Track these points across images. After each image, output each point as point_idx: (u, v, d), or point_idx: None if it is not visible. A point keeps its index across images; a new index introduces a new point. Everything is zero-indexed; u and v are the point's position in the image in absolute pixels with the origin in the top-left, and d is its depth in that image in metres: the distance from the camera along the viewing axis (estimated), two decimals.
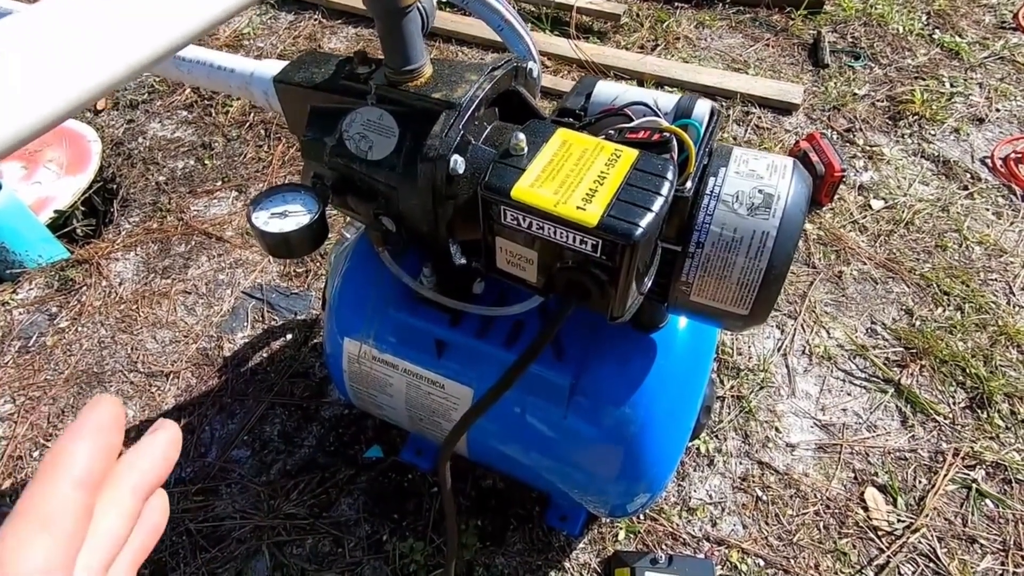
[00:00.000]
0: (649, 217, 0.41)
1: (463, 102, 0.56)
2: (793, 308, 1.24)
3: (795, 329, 1.21)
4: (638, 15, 1.95)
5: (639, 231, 0.40)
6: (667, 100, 0.54)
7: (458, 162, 0.55)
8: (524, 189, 0.43)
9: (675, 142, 0.49)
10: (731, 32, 1.90)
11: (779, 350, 1.18)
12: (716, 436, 1.06)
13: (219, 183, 1.55)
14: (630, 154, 0.45)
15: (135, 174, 1.61)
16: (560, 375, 0.70)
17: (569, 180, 0.43)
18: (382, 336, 0.80)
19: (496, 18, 0.77)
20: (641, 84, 1.73)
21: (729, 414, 1.09)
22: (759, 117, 1.63)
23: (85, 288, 1.33)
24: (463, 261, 0.65)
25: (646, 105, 0.52)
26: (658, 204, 0.42)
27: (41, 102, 0.32)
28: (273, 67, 0.70)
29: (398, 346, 0.78)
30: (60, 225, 1.53)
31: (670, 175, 0.44)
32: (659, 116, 0.52)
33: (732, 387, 1.12)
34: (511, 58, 0.63)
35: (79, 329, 1.26)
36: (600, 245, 0.41)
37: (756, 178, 0.52)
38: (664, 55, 1.82)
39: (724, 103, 1.67)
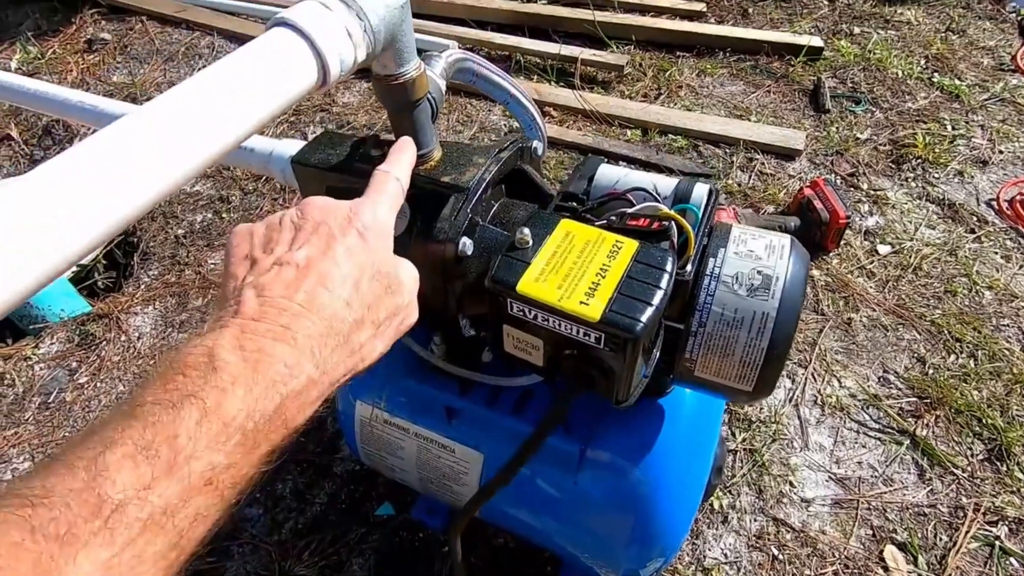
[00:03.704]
0: (650, 312, 0.42)
1: (471, 186, 0.59)
2: (803, 356, 1.24)
3: (806, 378, 1.21)
4: (641, 65, 2.01)
5: (640, 326, 0.42)
6: (666, 184, 0.56)
7: (466, 244, 0.57)
8: (529, 283, 0.45)
9: (675, 227, 0.51)
10: (732, 80, 1.95)
11: (790, 400, 1.18)
12: (729, 491, 1.05)
13: None
14: (631, 245, 0.47)
15: (155, 228, 1.66)
16: (569, 442, 0.71)
17: (572, 273, 0.45)
18: (393, 399, 0.81)
19: (502, 94, 0.80)
20: (645, 132, 1.77)
21: (742, 468, 1.08)
22: (762, 163, 1.66)
23: (105, 343, 1.36)
24: (472, 333, 0.67)
25: (646, 191, 0.55)
26: (658, 298, 0.43)
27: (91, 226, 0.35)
28: (291, 147, 0.74)
29: (409, 411, 0.79)
30: (82, 278, 1.57)
31: (669, 267, 0.45)
32: (659, 201, 0.54)
33: (744, 440, 1.12)
34: (517, 139, 0.66)
35: (98, 385, 1.29)
36: (603, 338, 0.43)
37: (755, 259, 0.53)
38: (667, 103, 1.87)
39: (727, 150, 1.70)
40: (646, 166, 1.67)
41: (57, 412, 1.25)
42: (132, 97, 2.02)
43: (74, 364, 1.34)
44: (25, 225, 0.31)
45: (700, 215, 0.54)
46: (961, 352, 1.23)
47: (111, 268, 1.67)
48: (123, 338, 1.37)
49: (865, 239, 1.46)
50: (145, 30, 2.29)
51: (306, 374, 0.32)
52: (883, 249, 1.44)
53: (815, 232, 1.40)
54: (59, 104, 0.86)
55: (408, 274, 0.42)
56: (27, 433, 1.21)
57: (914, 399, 1.16)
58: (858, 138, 1.72)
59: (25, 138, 1.93)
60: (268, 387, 0.31)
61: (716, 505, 1.04)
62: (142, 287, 1.51)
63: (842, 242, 1.43)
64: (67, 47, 2.26)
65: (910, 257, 1.41)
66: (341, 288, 0.35)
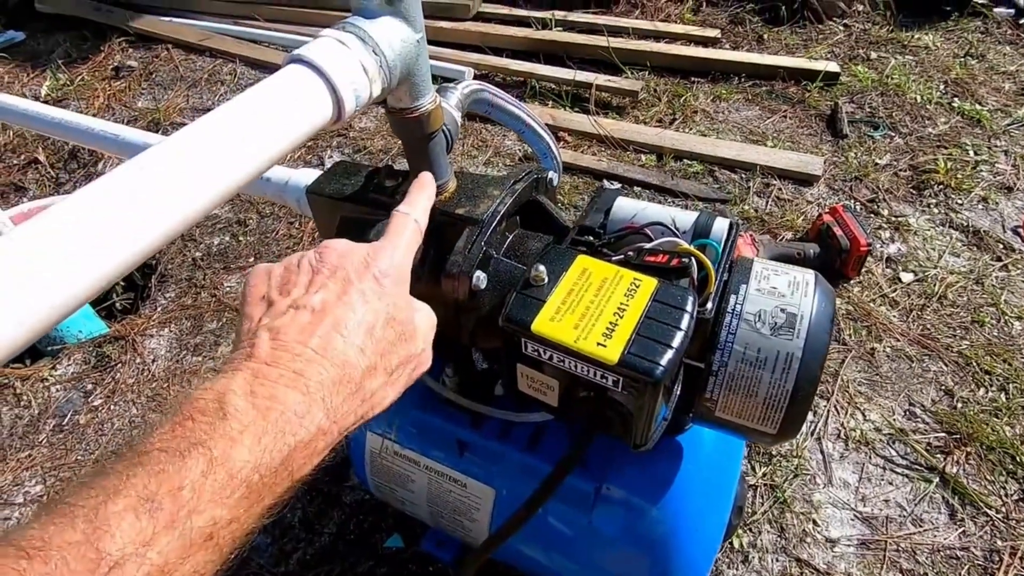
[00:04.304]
0: (670, 354, 0.41)
1: (485, 218, 0.58)
2: (825, 388, 1.21)
3: (828, 411, 1.17)
4: (655, 90, 2.02)
5: (660, 370, 0.40)
6: (685, 218, 0.55)
7: (480, 278, 0.56)
8: (544, 323, 0.43)
9: (694, 263, 0.50)
10: (748, 105, 1.94)
11: (812, 434, 1.14)
12: (750, 529, 1.01)
13: (252, 259, 1.61)
14: (649, 284, 0.46)
15: (173, 250, 1.68)
16: (584, 480, 0.69)
17: (589, 312, 0.44)
18: (404, 430, 0.80)
19: (518, 123, 0.80)
20: (660, 157, 1.76)
21: (763, 505, 1.04)
22: (779, 189, 1.64)
23: (120, 365, 1.37)
24: (485, 366, 0.66)
25: (664, 225, 0.53)
26: (678, 339, 0.42)
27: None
28: (307, 176, 0.74)
29: (420, 443, 0.78)
30: (101, 299, 1.59)
31: (689, 307, 0.44)
32: (677, 236, 0.53)
33: (764, 475, 1.08)
34: (531, 170, 0.66)
35: (112, 408, 1.29)
36: (622, 381, 0.41)
37: (778, 296, 0.52)
38: (682, 129, 1.87)
39: (743, 175, 1.69)
40: (661, 191, 1.66)
41: (71, 435, 1.25)
42: (155, 121, 2.07)
43: (89, 386, 1.34)
44: (56, 250, 0.32)
45: (720, 250, 0.52)
46: (991, 385, 1.18)
47: (129, 289, 1.69)
48: (138, 360, 1.38)
49: (887, 266, 1.43)
50: (170, 57, 2.36)
51: (316, 424, 0.32)
52: (906, 277, 1.40)
53: (835, 259, 1.37)
54: (81, 132, 0.88)
55: (424, 320, 0.42)
56: (40, 456, 1.22)
57: (943, 434, 1.12)
58: (877, 163, 1.70)
59: (52, 161, 1.97)
60: (277, 437, 0.30)
61: (736, 544, 1.00)
62: (159, 309, 1.52)
63: (863, 270, 1.40)
64: (95, 74, 2.33)
65: (934, 286, 1.37)
66: (355, 334, 0.35)
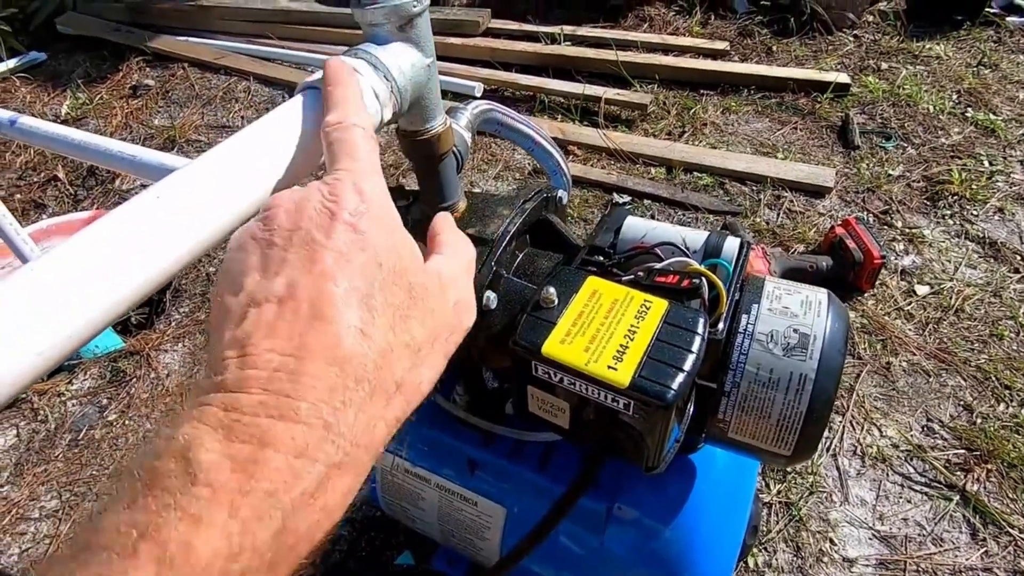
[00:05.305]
0: (681, 377, 0.41)
1: (495, 238, 0.59)
2: (840, 403, 1.19)
3: (843, 427, 1.15)
4: (664, 103, 2.02)
5: (671, 393, 0.40)
6: (695, 237, 0.54)
7: (491, 298, 0.56)
8: (555, 345, 0.43)
9: (705, 284, 0.50)
10: (758, 117, 1.94)
11: (828, 450, 1.12)
12: (765, 548, 1.00)
13: None
14: (660, 305, 0.45)
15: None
16: (595, 500, 0.68)
17: (600, 334, 0.44)
18: (415, 448, 0.80)
19: (527, 141, 0.81)
20: (670, 170, 1.76)
21: (778, 523, 1.03)
22: (791, 201, 1.63)
23: (135, 380, 1.39)
24: (495, 385, 0.66)
25: (674, 245, 0.53)
26: (690, 362, 0.42)
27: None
28: None
29: (430, 461, 0.78)
30: None
31: (701, 329, 0.44)
32: (688, 256, 0.53)
33: (779, 492, 1.06)
34: (541, 188, 0.66)
35: (126, 423, 1.30)
36: (633, 405, 0.41)
37: (790, 316, 0.51)
38: (692, 141, 1.87)
39: (754, 187, 1.68)
40: (671, 204, 1.66)
41: (86, 450, 1.26)
42: (171, 139, 2.11)
43: (104, 401, 1.36)
44: (75, 282, 0.32)
45: (732, 270, 0.52)
46: (1011, 400, 1.16)
47: (144, 305, 1.71)
48: (152, 375, 1.39)
49: (902, 279, 1.41)
50: (186, 76, 2.40)
51: (325, 459, 0.23)
52: (921, 290, 1.38)
53: (848, 272, 1.36)
54: (99, 153, 0.90)
55: (450, 264, 0.31)
56: (56, 471, 1.23)
57: (962, 451, 1.10)
58: (890, 175, 1.68)
59: (71, 179, 2.02)
60: (262, 499, 0.21)
61: (751, 563, 0.98)
62: (173, 324, 1.54)
63: (877, 282, 1.38)
64: (114, 93, 2.38)
65: (950, 298, 1.35)
66: (347, 313, 0.25)
